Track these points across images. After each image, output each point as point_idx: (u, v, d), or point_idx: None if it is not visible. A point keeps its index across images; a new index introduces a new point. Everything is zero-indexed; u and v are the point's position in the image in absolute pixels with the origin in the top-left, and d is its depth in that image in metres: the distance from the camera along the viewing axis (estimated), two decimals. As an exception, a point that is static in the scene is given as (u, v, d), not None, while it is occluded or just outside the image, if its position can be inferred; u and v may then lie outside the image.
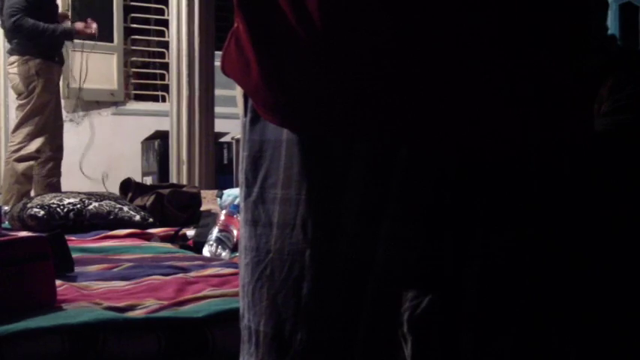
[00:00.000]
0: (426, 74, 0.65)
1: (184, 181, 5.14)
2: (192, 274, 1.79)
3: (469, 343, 0.73)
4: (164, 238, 2.59)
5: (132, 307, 1.44)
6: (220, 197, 3.07)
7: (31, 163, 4.57)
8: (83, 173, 6.78)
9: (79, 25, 4.79)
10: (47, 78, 4.51)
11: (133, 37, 7.53)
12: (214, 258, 2.18)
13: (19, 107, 4.56)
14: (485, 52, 0.66)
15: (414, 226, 0.70)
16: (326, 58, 0.65)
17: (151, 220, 2.84)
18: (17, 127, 4.58)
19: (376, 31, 0.64)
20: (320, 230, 0.68)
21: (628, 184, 1.52)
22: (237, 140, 6.13)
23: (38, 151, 4.56)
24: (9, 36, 4.56)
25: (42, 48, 4.47)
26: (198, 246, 2.41)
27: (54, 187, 4.55)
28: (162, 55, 7.40)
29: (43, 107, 4.53)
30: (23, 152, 4.54)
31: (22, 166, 4.55)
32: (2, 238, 1.53)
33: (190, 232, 2.67)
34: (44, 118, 4.55)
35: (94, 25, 4.81)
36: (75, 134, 6.79)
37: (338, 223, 0.68)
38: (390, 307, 0.73)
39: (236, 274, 1.76)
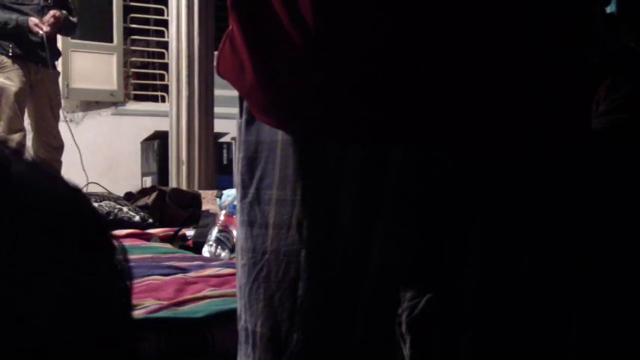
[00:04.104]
0: (421, 75, 0.65)
1: (184, 181, 5.14)
2: (192, 274, 1.79)
3: (468, 343, 0.73)
4: (164, 239, 2.59)
5: (131, 308, 1.44)
6: (220, 197, 3.06)
7: None
8: (83, 174, 6.78)
9: (33, 20, 4.34)
10: (3, 74, 4.30)
11: (132, 37, 7.53)
12: (214, 258, 2.18)
13: None
14: (481, 52, 0.65)
15: (408, 226, 0.70)
16: (319, 59, 0.65)
17: (150, 220, 2.84)
18: None
19: (369, 31, 0.64)
20: (315, 231, 0.68)
21: (626, 183, 1.52)
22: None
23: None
24: None
25: None
26: (197, 246, 2.41)
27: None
28: (161, 56, 7.40)
29: (7, 105, 4.31)
30: None
31: None
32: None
33: (190, 232, 2.67)
34: (15, 118, 4.35)
35: (45, 29, 4.32)
36: (74, 134, 6.80)
37: (333, 223, 0.68)
38: (387, 307, 0.73)
39: (235, 274, 1.76)
